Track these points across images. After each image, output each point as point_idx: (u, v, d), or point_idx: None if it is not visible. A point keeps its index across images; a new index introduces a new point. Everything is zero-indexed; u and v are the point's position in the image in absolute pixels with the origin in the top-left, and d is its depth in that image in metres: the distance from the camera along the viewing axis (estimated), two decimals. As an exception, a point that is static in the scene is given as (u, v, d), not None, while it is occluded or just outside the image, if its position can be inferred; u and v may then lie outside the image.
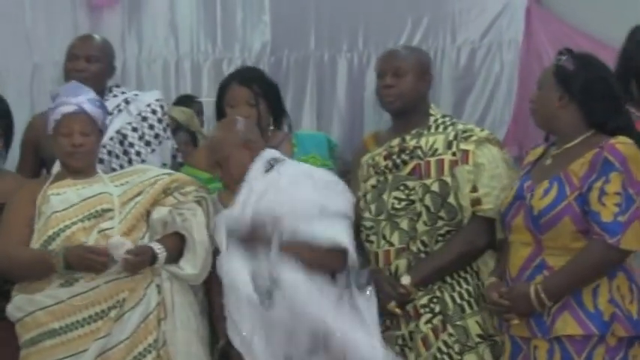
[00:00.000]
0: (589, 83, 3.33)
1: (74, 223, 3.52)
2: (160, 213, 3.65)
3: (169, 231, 3.65)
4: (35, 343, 3.49)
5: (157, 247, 3.56)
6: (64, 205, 3.55)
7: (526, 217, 3.33)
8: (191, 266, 3.61)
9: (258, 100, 3.99)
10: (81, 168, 3.67)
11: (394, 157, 3.69)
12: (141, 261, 3.49)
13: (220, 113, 4.08)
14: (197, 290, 3.69)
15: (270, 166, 3.64)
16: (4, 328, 3.62)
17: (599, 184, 3.22)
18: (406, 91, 3.72)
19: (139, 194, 3.64)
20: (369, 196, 3.73)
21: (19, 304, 3.53)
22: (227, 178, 3.65)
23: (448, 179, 3.59)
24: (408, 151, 3.67)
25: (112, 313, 3.47)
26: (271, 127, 4.04)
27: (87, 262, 3.44)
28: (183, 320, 3.60)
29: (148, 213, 3.65)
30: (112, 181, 3.69)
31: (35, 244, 3.55)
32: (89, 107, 3.66)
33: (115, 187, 3.65)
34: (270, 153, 3.69)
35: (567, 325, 3.23)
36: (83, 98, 3.67)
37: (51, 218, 3.53)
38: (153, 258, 3.54)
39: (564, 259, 3.26)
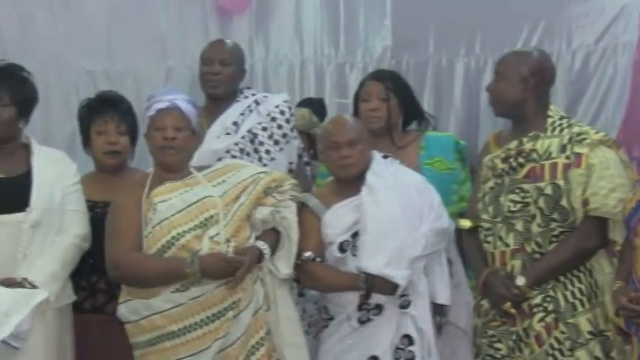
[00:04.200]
0: None
1: (186, 232, 3.58)
2: (262, 213, 3.74)
3: (267, 227, 3.76)
4: (153, 344, 3.60)
5: (263, 246, 3.67)
6: (171, 212, 3.60)
7: None
8: (285, 265, 3.71)
9: (389, 95, 4.15)
10: (173, 163, 3.69)
11: (511, 160, 3.73)
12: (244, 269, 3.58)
13: (356, 109, 4.24)
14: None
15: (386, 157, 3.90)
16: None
17: None
18: (500, 96, 3.78)
19: (240, 194, 3.71)
20: (487, 198, 3.79)
21: (134, 308, 3.61)
22: (352, 160, 3.78)
23: (561, 182, 3.62)
24: (524, 154, 3.70)
25: (230, 314, 3.57)
26: (399, 127, 4.19)
27: (223, 271, 3.54)
28: (285, 311, 3.71)
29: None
30: (208, 180, 3.73)
31: (148, 251, 3.60)
32: (183, 104, 3.70)
33: (213, 187, 3.70)
34: (378, 157, 3.89)
35: None
36: (177, 96, 3.73)
37: (160, 226, 3.59)
38: (259, 256, 3.66)
39: (695, 260, 3.28)
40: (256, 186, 3.74)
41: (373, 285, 3.66)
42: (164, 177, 3.71)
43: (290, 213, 3.76)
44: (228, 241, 3.61)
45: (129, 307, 3.64)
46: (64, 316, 3.81)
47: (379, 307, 3.72)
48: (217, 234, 3.60)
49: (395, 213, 3.72)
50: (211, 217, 3.61)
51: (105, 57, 6.05)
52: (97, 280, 3.97)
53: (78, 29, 6.01)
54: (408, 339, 3.71)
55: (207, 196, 3.66)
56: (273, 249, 3.73)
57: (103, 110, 4.11)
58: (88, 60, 6.02)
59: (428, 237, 3.76)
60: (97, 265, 3.91)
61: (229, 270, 3.54)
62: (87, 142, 4.17)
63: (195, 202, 3.63)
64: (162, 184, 3.68)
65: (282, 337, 3.67)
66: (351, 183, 3.81)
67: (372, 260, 3.66)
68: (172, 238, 3.57)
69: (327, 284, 3.81)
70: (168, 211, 3.61)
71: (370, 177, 3.79)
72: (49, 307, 3.67)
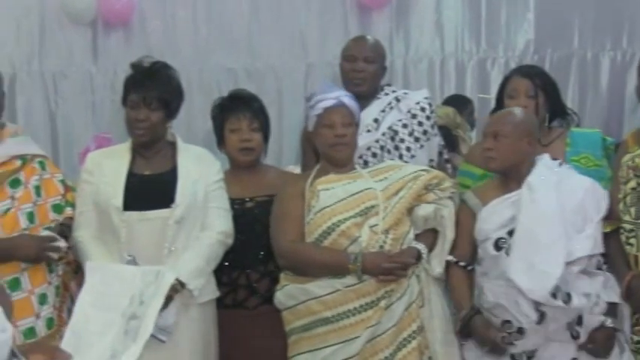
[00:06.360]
0: None
1: (347, 219, 3.66)
2: (425, 210, 3.77)
3: (429, 226, 3.78)
4: (307, 330, 3.67)
5: (422, 248, 3.71)
6: (333, 200, 3.70)
7: None
8: (438, 263, 3.73)
9: (537, 92, 4.05)
10: (344, 159, 3.82)
11: (652, 158, 3.60)
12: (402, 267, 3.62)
13: (499, 105, 4.15)
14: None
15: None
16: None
17: None
18: None
19: (401, 189, 3.75)
20: (628, 199, 3.68)
21: (292, 293, 3.70)
22: (494, 154, 3.68)
23: None
24: None
25: (382, 303, 3.61)
26: (546, 124, 4.09)
27: (385, 270, 3.59)
28: (438, 308, 3.72)
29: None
30: (371, 176, 3.81)
31: (309, 237, 3.71)
32: (347, 100, 3.83)
33: (375, 182, 3.78)
34: (547, 159, 3.75)
35: None
36: (340, 93, 3.86)
37: (322, 212, 3.69)
38: (418, 257, 3.69)
39: None
40: (417, 181, 3.78)
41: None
42: (330, 171, 3.82)
43: (449, 212, 3.78)
44: (386, 232, 3.68)
45: (286, 293, 3.73)
46: (208, 312, 3.87)
47: (521, 331, 3.57)
48: (376, 224, 3.67)
49: (552, 212, 3.57)
50: (372, 206, 3.69)
51: (245, 55, 6.17)
52: (237, 275, 4.00)
53: (219, 27, 6.13)
54: None
55: (368, 188, 3.74)
56: (430, 250, 3.77)
57: (236, 108, 4.15)
58: (229, 58, 6.14)
59: (597, 238, 3.63)
60: (237, 261, 3.97)
61: (390, 270, 3.60)
62: (221, 141, 4.20)
63: (357, 193, 3.73)
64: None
65: (435, 334, 3.69)
66: (512, 180, 3.71)
67: (529, 283, 3.50)
68: (333, 224, 3.67)
69: (454, 300, 3.77)
70: (330, 199, 3.71)
71: (532, 175, 3.69)
72: (193, 302, 3.74)
